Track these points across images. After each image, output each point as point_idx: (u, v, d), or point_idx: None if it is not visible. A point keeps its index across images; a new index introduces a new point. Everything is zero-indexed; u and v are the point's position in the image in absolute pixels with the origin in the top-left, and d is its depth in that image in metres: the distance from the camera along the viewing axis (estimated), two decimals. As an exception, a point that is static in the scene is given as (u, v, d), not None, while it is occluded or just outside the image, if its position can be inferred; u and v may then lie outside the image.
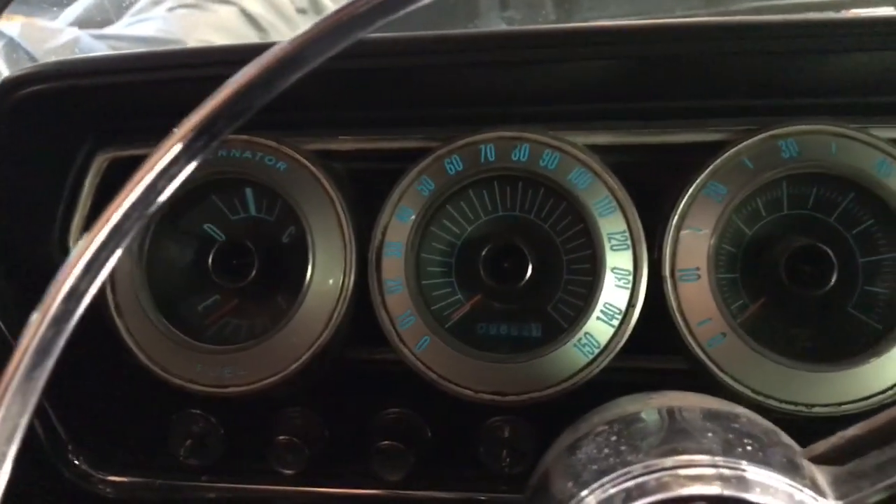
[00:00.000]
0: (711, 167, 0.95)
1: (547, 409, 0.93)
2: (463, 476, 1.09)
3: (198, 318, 1.08)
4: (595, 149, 1.01)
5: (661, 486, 0.49)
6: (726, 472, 0.49)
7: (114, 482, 1.16)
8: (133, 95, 1.04)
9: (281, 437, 1.08)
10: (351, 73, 0.98)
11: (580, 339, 0.95)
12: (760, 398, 0.92)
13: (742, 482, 0.49)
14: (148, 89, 1.00)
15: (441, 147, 1.00)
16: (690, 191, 0.95)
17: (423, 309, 0.99)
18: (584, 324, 0.95)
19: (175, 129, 0.44)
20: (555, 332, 0.99)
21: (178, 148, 0.43)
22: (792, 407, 0.91)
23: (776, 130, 0.95)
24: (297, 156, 1.02)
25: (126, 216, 0.41)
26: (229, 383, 1.00)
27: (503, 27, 1.43)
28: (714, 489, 0.48)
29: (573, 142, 0.99)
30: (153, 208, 0.43)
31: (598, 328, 0.95)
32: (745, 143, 0.95)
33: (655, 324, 0.97)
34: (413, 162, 1.01)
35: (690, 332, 0.94)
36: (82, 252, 0.40)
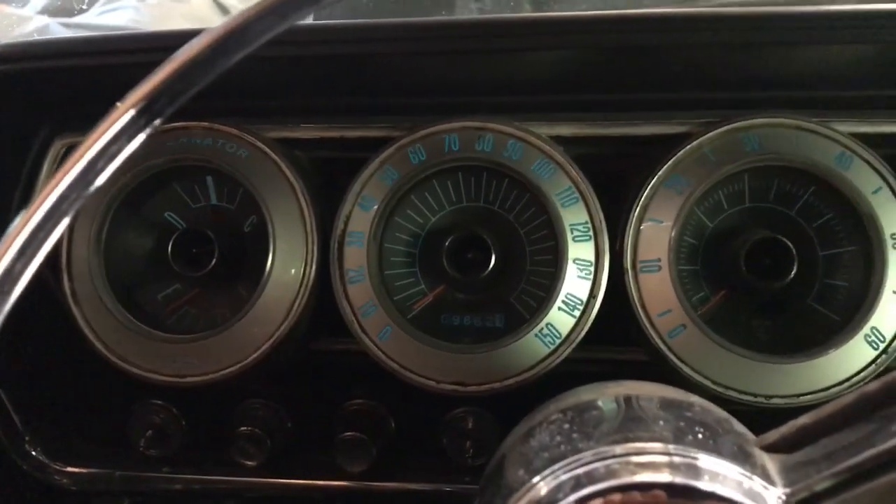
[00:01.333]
0: (674, 159, 0.95)
1: (510, 400, 0.93)
2: (426, 467, 1.09)
3: (157, 307, 1.06)
4: (559, 140, 1.01)
5: (611, 474, 0.49)
6: (676, 459, 0.49)
7: (72, 473, 1.15)
8: (89, 80, 1.02)
9: (243, 429, 1.08)
10: (315, 60, 0.97)
11: (541, 329, 0.95)
12: (719, 389, 0.92)
13: (692, 469, 0.49)
14: (104, 74, 0.98)
15: (405, 136, 1.00)
16: (652, 183, 0.96)
17: (386, 299, 0.99)
18: (546, 314, 0.95)
19: (118, 104, 0.43)
20: (517, 322, 0.99)
21: (118, 126, 0.42)
22: (751, 398, 0.92)
23: (738, 123, 0.95)
24: (259, 143, 1.01)
25: (64, 196, 0.40)
26: (188, 373, 0.99)
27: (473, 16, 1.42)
28: (664, 476, 0.48)
29: (537, 133, 0.99)
30: (93, 188, 0.42)
31: (560, 319, 0.95)
32: (707, 135, 0.95)
33: (618, 315, 0.98)
34: (377, 151, 1.00)
35: (651, 324, 0.94)
36: (17, 232, 0.39)
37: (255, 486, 1.12)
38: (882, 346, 0.92)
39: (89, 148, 0.41)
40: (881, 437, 0.47)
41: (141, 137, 0.44)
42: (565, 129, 1.01)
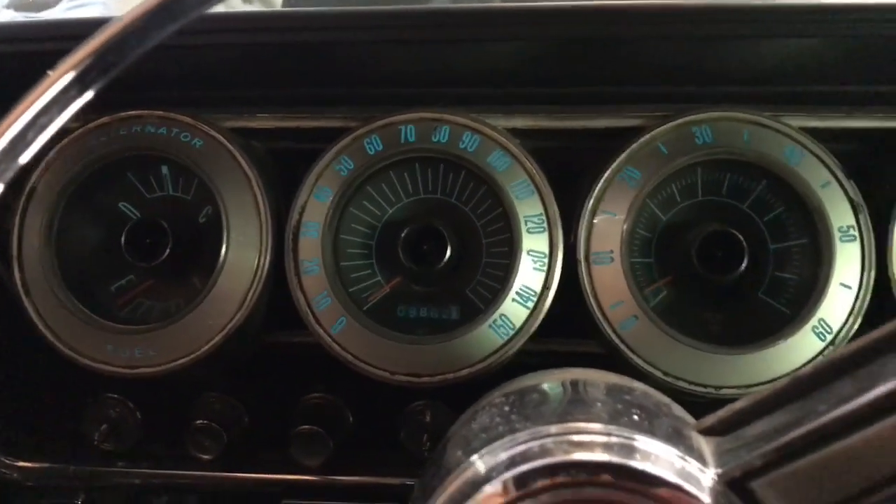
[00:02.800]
0: (627, 152, 0.96)
1: (468, 393, 0.93)
2: (384, 461, 1.09)
3: (111, 297, 1.05)
4: (515, 132, 1.01)
5: (545, 452, 0.49)
6: (611, 439, 0.50)
7: (23, 468, 1.12)
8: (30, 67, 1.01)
9: (198, 422, 1.06)
10: (271, 49, 0.97)
11: (495, 320, 0.95)
12: (670, 380, 0.93)
13: (626, 450, 0.49)
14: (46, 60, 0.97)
15: (361, 126, 0.99)
16: (606, 175, 0.96)
17: (340, 290, 0.99)
18: (500, 305, 0.95)
19: (49, 72, 0.43)
20: (473, 314, 0.99)
21: (49, 95, 0.41)
22: (701, 389, 0.93)
23: (690, 117, 0.96)
24: (214, 133, 1.00)
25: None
26: (140, 364, 0.98)
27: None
28: (598, 456, 0.49)
29: (493, 125, 0.99)
30: (22, 160, 0.41)
31: (514, 310, 0.95)
32: (659, 129, 0.96)
33: (573, 307, 0.98)
34: (333, 141, 1.00)
35: (603, 315, 0.95)
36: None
37: (211, 480, 1.11)
38: (829, 337, 0.93)
39: (18, 117, 0.41)
40: (809, 418, 0.48)
41: (74, 108, 0.43)
42: (521, 122, 1.02)
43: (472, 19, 0.90)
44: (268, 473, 1.10)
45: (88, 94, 0.43)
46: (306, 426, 1.04)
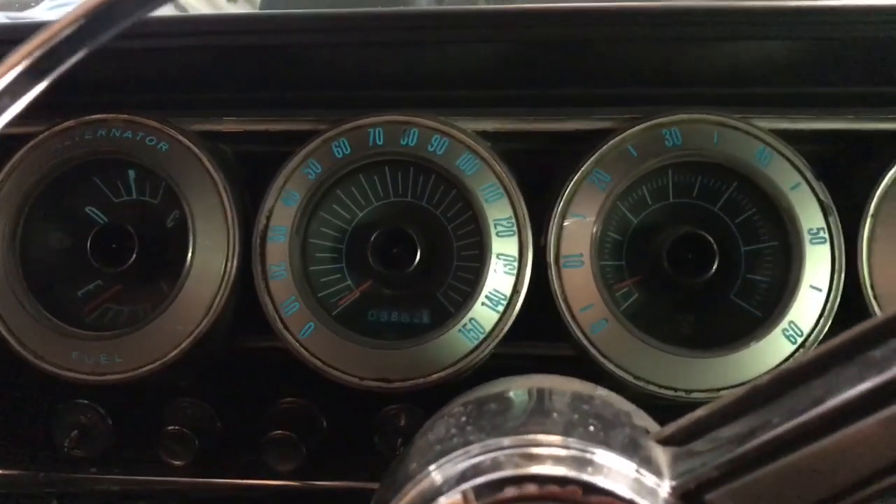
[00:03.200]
0: (596, 155, 0.96)
1: (444, 395, 0.92)
2: (358, 466, 1.08)
3: (77, 303, 1.04)
4: (485, 135, 1.00)
5: (497, 466, 0.48)
6: (563, 452, 0.49)
7: (-8, 475, 1.11)
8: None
9: (170, 428, 1.06)
10: (240, 51, 0.96)
11: (465, 324, 0.94)
12: (640, 384, 0.92)
13: (577, 462, 0.48)
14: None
15: (329, 130, 0.98)
16: (575, 178, 0.96)
17: (309, 295, 0.98)
18: (470, 310, 0.95)
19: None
20: (444, 318, 0.98)
21: (2, 83, 0.40)
22: (672, 392, 0.93)
23: (660, 119, 0.96)
24: (180, 136, 0.99)
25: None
26: (106, 371, 0.97)
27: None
28: (549, 469, 0.48)
29: (462, 128, 0.98)
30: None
31: (484, 314, 0.95)
32: (629, 131, 0.96)
33: (544, 310, 0.97)
34: (301, 145, 0.99)
35: (573, 318, 0.94)
36: None
37: (182, 486, 1.10)
38: (800, 340, 0.93)
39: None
40: (764, 430, 0.47)
41: (28, 97, 0.42)
42: (491, 124, 1.01)
43: (440, 22, 0.90)
44: (241, 479, 1.09)
45: (44, 83, 0.42)
46: (279, 431, 1.03)
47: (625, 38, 0.92)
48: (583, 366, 0.96)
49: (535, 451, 0.49)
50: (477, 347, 0.95)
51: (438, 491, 0.49)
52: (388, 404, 1.04)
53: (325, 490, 1.08)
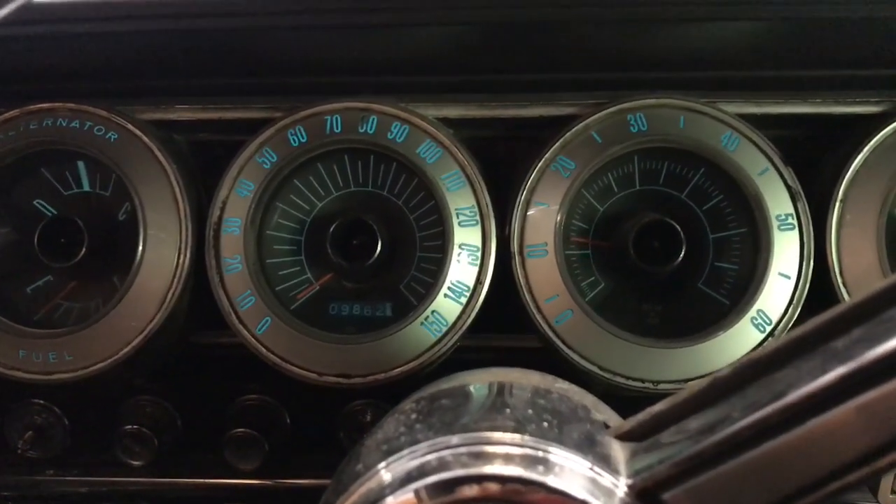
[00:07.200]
0: (560, 141, 0.93)
1: (408, 391, 0.90)
2: (322, 463, 1.05)
3: (26, 300, 1.01)
4: (447, 122, 0.98)
5: (444, 466, 0.46)
6: (513, 450, 0.47)
7: (-58, 480, 1.08)
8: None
9: (129, 427, 1.03)
10: (189, 35, 0.93)
11: (427, 317, 0.92)
12: (607, 375, 0.90)
13: (528, 460, 0.46)
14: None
15: (284, 117, 0.95)
16: (539, 165, 0.93)
17: (265, 289, 0.95)
18: (432, 301, 0.92)
19: None
20: (406, 310, 0.95)
21: None
22: (639, 384, 0.91)
23: (625, 104, 0.94)
24: (129, 126, 0.95)
25: None
26: (55, 370, 0.94)
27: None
28: (498, 469, 0.46)
29: (423, 114, 0.96)
30: None
31: (446, 306, 0.92)
32: (593, 117, 0.93)
33: (509, 301, 0.95)
34: (255, 133, 0.96)
35: (538, 309, 0.92)
36: None
37: (142, 486, 1.07)
38: (768, 328, 0.91)
39: None
40: (722, 425, 0.45)
41: None
42: (453, 111, 0.98)
43: (396, 3, 0.87)
44: (203, 478, 1.07)
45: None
46: (241, 429, 1.01)
47: (584, 19, 0.90)
48: (549, 357, 0.94)
49: (483, 449, 0.47)
50: (440, 340, 0.92)
51: (383, 491, 0.46)
52: (353, 400, 1.01)
53: (290, 488, 1.06)
